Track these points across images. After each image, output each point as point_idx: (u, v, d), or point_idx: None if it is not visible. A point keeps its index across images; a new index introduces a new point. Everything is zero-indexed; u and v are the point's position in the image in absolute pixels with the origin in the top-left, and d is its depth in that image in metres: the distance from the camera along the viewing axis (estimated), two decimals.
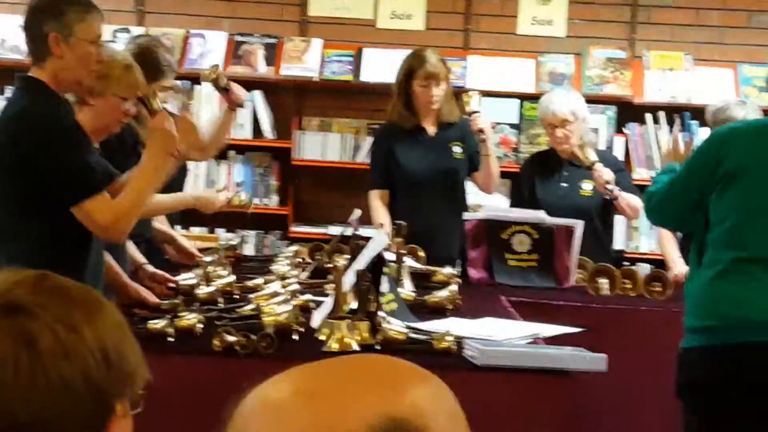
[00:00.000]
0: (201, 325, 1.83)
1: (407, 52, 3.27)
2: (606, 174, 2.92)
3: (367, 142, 3.88)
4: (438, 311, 2.19)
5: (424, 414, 0.45)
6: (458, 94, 3.26)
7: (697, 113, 3.56)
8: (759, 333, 1.85)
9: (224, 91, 2.84)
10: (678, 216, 2.12)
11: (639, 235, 3.98)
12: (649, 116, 3.97)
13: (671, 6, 4.18)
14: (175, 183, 2.45)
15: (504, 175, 3.50)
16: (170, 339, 1.79)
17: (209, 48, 4.06)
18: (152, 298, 2.08)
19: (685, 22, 4.16)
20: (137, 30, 3.83)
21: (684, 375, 1.95)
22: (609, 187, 2.90)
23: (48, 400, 0.73)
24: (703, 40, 4.15)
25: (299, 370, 0.47)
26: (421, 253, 2.79)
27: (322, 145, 4.01)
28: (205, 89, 3.76)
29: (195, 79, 3.70)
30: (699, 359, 1.93)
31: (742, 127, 2.18)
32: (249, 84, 3.52)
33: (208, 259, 2.43)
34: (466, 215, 2.95)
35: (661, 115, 3.95)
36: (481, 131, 3.01)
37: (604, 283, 2.79)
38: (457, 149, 3.09)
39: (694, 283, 1.99)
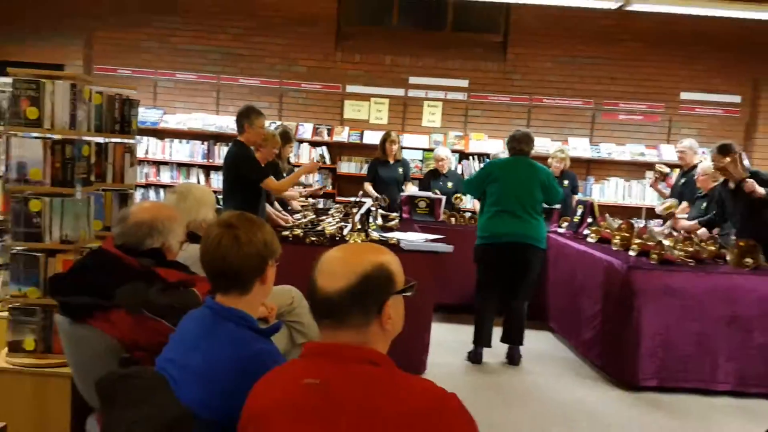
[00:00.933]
0: (301, 233, 4.76)
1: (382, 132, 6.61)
2: None
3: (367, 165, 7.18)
4: (390, 229, 5.23)
5: (390, 263, 1.41)
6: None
7: None
8: (501, 238, 4.71)
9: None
10: (477, 192, 5.06)
11: None
12: None
13: None
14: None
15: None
16: (290, 238, 4.70)
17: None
18: (284, 224, 5.01)
19: None
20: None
21: (476, 255, 4.88)
22: None
23: (244, 259, 1.73)
24: None
25: (340, 246, 1.44)
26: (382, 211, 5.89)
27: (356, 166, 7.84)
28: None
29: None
30: (479, 248, 4.85)
31: (501, 160, 5.12)
32: None
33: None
34: (402, 193, 6.18)
35: None
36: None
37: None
38: (400, 170, 6.46)
39: (480, 219, 4.90)
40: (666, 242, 4.64)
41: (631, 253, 4.74)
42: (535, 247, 4.77)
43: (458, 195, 6.65)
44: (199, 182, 8.09)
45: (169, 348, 1.75)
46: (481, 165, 7.66)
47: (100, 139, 3.42)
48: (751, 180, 4.62)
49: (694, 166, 6.16)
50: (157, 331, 1.99)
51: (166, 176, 8.16)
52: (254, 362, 1.58)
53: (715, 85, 8.12)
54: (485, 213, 4.88)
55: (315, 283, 1.39)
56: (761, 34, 7.84)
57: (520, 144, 4.88)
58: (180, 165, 8.18)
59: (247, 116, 4.63)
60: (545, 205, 5.03)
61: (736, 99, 8.13)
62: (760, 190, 4.59)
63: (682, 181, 6.19)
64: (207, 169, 8.19)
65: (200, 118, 8.13)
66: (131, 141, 3.65)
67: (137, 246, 2.23)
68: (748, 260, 4.49)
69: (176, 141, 8.13)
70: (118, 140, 3.56)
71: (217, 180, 8.05)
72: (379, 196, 6.09)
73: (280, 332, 2.80)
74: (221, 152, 8.01)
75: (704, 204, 5.56)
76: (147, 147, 8.08)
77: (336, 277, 1.37)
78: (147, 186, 8.17)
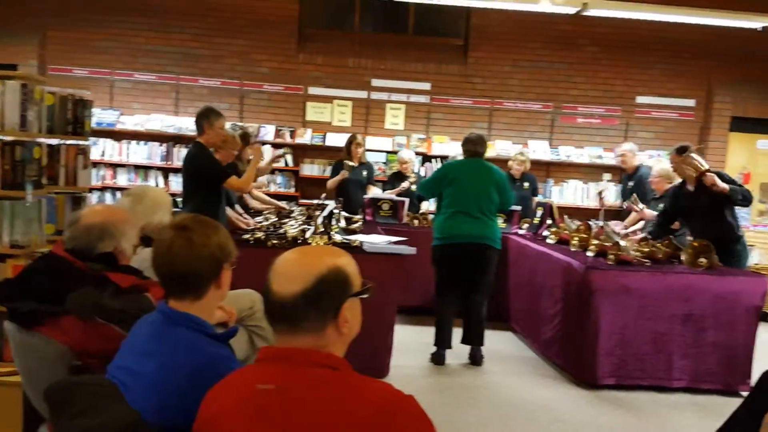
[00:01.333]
0: (263, 236, 4.71)
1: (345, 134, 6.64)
2: None
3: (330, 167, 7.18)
4: (353, 232, 5.22)
5: (346, 266, 1.38)
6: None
7: None
8: (458, 239, 4.74)
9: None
10: (432, 193, 5.10)
11: None
12: None
13: None
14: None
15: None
16: (251, 241, 4.65)
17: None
18: (245, 226, 4.95)
19: None
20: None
21: (434, 256, 4.89)
22: None
23: (198, 263, 1.67)
24: None
25: (295, 249, 1.41)
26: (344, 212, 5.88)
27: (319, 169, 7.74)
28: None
29: None
30: (437, 249, 4.87)
31: (456, 162, 5.17)
32: None
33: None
34: (366, 196, 6.13)
35: None
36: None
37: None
38: (364, 172, 6.42)
39: (437, 220, 4.92)
40: (623, 243, 4.73)
41: (589, 253, 4.81)
42: (492, 247, 4.82)
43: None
44: (157, 185, 7.95)
45: (121, 354, 1.71)
46: None
47: (53, 141, 3.33)
48: (711, 174, 4.72)
49: (637, 168, 6.35)
50: (109, 337, 1.94)
51: (123, 179, 8.00)
52: (208, 368, 1.54)
53: (671, 89, 8.33)
54: (442, 214, 4.91)
55: (269, 287, 1.36)
56: (715, 39, 8.08)
57: (475, 146, 4.91)
58: (138, 167, 8.03)
59: (206, 117, 4.55)
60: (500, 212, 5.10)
61: (691, 102, 8.35)
62: (722, 184, 4.66)
63: (630, 183, 6.33)
64: (166, 172, 8.05)
65: (159, 120, 7.99)
66: (85, 142, 3.57)
67: (88, 250, 2.17)
68: (703, 260, 4.60)
69: (134, 143, 7.98)
70: (71, 142, 3.48)
71: (176, 182, 7.92)
72: (340, 198, 6.12)
73: (240, 337, 2.77)
74: (180, 154, 7.88)
75: (660, 205, 5.68)
76: (103, 149, 7.91)
77: (291, 280, 1.34)
78: (103, 189, 7.99)
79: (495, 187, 4.83)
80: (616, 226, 5.64)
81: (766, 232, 7.78)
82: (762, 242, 7.30)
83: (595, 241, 4.87)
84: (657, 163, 6.22)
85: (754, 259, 6.97)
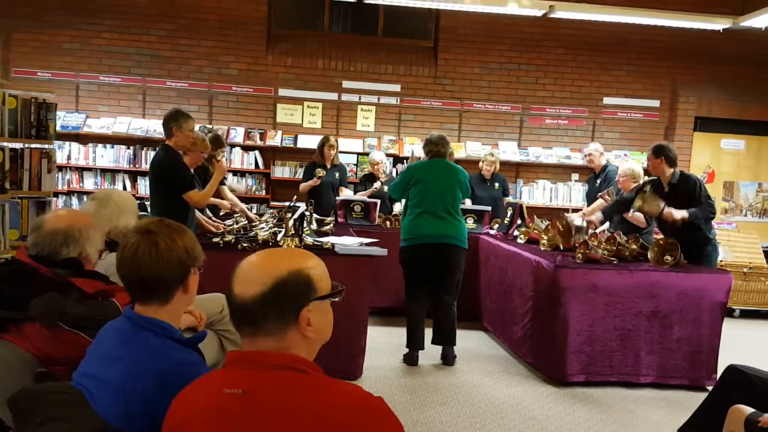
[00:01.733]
0: (233, 239, 4.67)
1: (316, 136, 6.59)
2: None
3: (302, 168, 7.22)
4: (325, 234, 5.20)
5: (310, 269, 1.36)
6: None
7: None
8: (425, 239, 4.75)
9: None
10: (400, 195, 5.06)
11: None
12: None
13: None
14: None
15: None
16: (221, 245, 4.61)
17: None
18: (215, 230, 4.89)
19: None
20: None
21: (402, 256, 4.87)
22: None
23: (164, 267, 1.65)
24: None
25: (260, 251, 1.39)
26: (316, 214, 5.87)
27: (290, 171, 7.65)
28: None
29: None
30: (404, 250, 4.85)
31: (420, 162, 5.10)
32: None
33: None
34: (338, 198, 6.12)
35: None
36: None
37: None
38: (336, 174, 6.44)
39: (404, 221, 4.91)
40: (590, 242, 4.80)
41: (541, 247, 4.94)
42: (458, 247, 4.84)
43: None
44: (125, 188, 7.83)
45: (86, 361, 1.68)
46: None
47: (16, 145, 3.26)
48: (669, 210, 4.83)
49: (604, 167, 6.47)
50: (75, 344, 1.91)
51: (89, 183, 7.86)
52: (174, 373, 1.53)
53: (636, 90, 8.49)
54: (408, 215, 4.92)
55: (231, 290, 1.36)
56: (678, 41, 8.25)
57: (437, 146, 4.93)
58: (104, 171, 7.90)
59: (175, 119, 4.48)
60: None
61: (656, 103, 8.51)
62: (680, 215, 4.79)
63: (598, 182, 6.44)
64: (133, 175, 7.94)
65: (125, 122, 7.88)
66: (49, 146, 3.50)
67: (52, 256, 2.13)
68: (668, 258, 4.69)
69: (100, 146, 7.85)
70: (35, 146, 3.41)
71: (144, 186, 7.82)
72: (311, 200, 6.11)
73: (210, 341, 2.75)
74: (148, 157, 7.78)
75: None
76: (69, 152, 7.77)
77: (251, 282, 1.34)
78: (69, 193, 7.85)
79: (458, 186, 4.86)
80: (575, 218, 5.72)
81: (730, 229, 7.97)
82: (726, 239, 7.47)
83: (545, 235, 5.02)
84: (623, 162, 6.33)
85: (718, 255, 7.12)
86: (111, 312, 1.95)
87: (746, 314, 7.25)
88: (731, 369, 3.04)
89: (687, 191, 4.92)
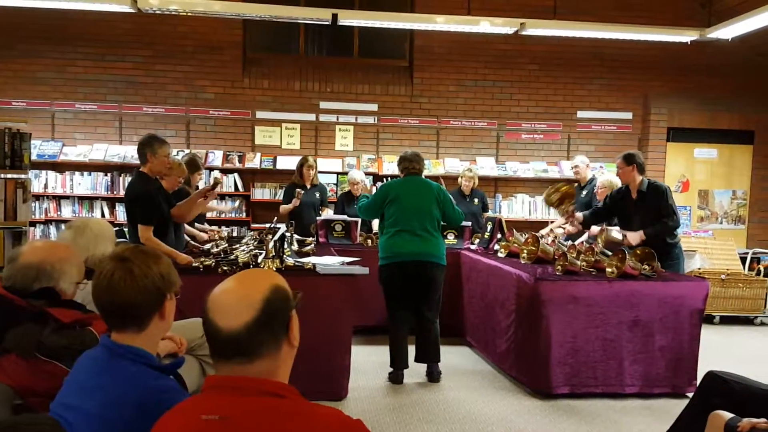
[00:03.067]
0: (213, 262, 4.65)
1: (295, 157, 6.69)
2: None
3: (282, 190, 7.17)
4: (306, 254, 5.19)
5: (281, 281, 1.39)
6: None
7: None
8: (404, 257, 4.75)
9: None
10: (374, 214, 5.08)
11: None
12: None
13: None
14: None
15: None
16: (201, 269, 4.58)
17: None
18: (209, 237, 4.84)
19: None
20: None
21: (380, 275, 4.84)
22: None
23: (139, 294, 1.64)
24: None
25: (225, 281, 1.36)
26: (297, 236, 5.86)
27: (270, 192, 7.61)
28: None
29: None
30: (383, 269, 4.83)
31: (396, 181, 5.11)
32: None
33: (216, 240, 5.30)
34: (318, 218, 6.14)
35: None
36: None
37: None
38: (317, 194, 6.46)
39: (382, 239, 4.91)
40: (569, 253, 4.84)
41: (522, 261, 4.98)
42: (437, 264, 4.85)
43: None
44: (103, 215, 7.77)
45: (64, 391, 1.66)
46: None
47: None
48: (627, 239, 4.97)
49: (590, 180, 6.55)
50: (52, 374, 1.88)
51: (67, 211, 7.79)
52: (152, 401, 1.52)
53: (609, 103, 8.63)
54: (385, 233, 4.92)
55: (214, 324, 1.33)
56: (649, 53, 8.42)
57: (412, 163, 4.96)
58: (82, 198, 7.84)
59: (149, 146, 4.45)
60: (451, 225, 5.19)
61: (628, 115, 8.66)
62: (637, 240, 4.94)
63: (583, 193, 6.51)
64: (111, 202, 7.89)
65: (102, 149, 7.83)
66: (24, 176, 3.47)
67: (25, 289, 2.11)
68: (646, 267, 4.75)
69: (77, 174, 7.80)
70: (10, 176, 3.38)
71: (121, 213, 7.76)
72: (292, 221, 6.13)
73: (191, 367, 2.72)
74: (126, 183, 7.73)
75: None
76: (46, 181, 7.70)
77: (237, 311, 1.31)
78: (47, 222, 7.76)
79: (436, 204, 4.87)
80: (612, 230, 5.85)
81: (706, 237, 8.09)
82: (703, 247, 7.58)
83: (525, 249, 5.07)
84: (601, 174, 6.42)
85: (696, 263, 7.22)
86: (88, 341, 1.93)
87: (725, 320, 7.34)
88: (711, 375, 3.08)
89: (656, 199, 5.03)
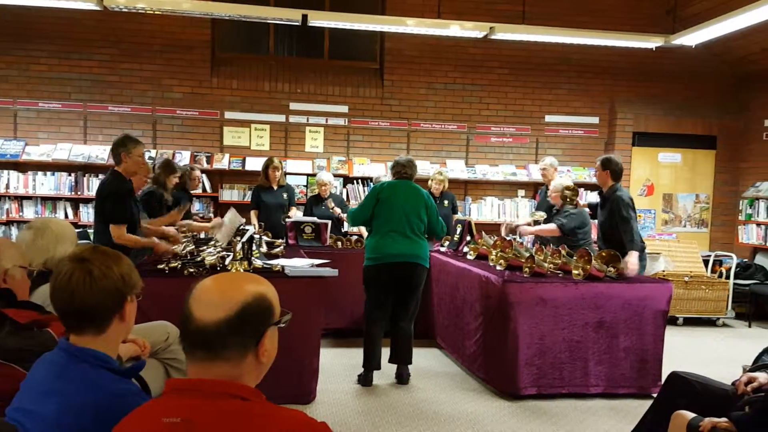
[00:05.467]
0: (179, 264, 4.57)
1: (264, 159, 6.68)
2: None
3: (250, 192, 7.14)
4: (275, 256, 5.15)
5: (269, 293, 1.36)
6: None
7: None
8: (391, 258, 4.76)
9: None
10: (364, 217, 5.02)
11: None
12: None
13: None
14: None
15: None
16: (166, 271, 4.50)
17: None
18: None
19: None
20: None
21: (366, 276, 4.85)
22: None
23: (99, 296, 1.59)
24: None
25: (218, 275, 1.38)
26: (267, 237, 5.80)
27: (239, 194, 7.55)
28: None
29: None
30: (370, 269, 4.84)
31: (386, 183, 5.11)
32: None
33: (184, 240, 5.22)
34: (287, 219, 6.08)
35: None
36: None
37: None
38: (284, 195, 6.39)
39: (369, 240, 4.91)
40: (537, 256, 4.89)
41: (498, 267, 4.98)
42: (422, 266, 4.89)
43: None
44: (66, 216, 7.61)
45: (20, 395, 1.61)
46: (366, 189, 7.77)
47: None
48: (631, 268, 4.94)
49: None
50: (10, 377, 1.83)
51: (29, 212, 7.61)
52: (112, 405, 1.48)
53: (576, 107, 8.74)
54: (374, 234, 4.92)
55: (190, 313, 1.32)
56: (615, 59, 8.56)
57: (404, 168, 4.99)
58: (45, 199, 7.66)
59: (124, 146, 4.44)
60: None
61: (595, 120, 8.79)
62: (634, 266, 4.93)
63: (549, 198, 6.58)
64: (75, 203, 7.72)
65: (66, 149, 7.67)
66: None
67: None
68: (611, 269, 4.82)
69: (40, 174, 7.62)
70: None
71: (86, 214, 7.62)
72: (262, 222, 6.11)
73: (155, 370, 2.68)
74: (90, 183, 7.61)
75: (560, 218, 5.98)
76: (7, 181, 7.52)
77: (214, 307, 1.30)
78: (8, 223, 7.57)
79: (424, 208, 4.91)
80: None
81: (670, 240, 8.24)
82: (667, 250, 7.71)
83: (503, 254, 5.08)
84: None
85: (660, 266, 7.35)
86: (46, 342, 1.88)
87: (689, 322, 7.49)
88: (674, 376, 3.13)
89: (611, 209, 5.18)
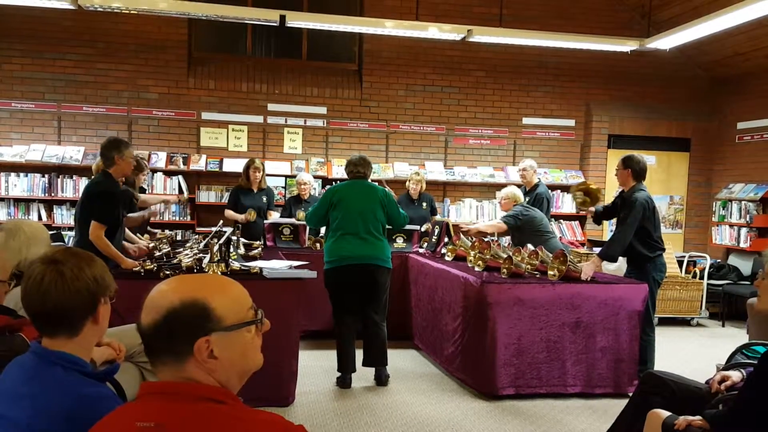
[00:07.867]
0: (155, 266, 4.52)
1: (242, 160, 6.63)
2: None
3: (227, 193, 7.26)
4: (253, 258, 5.11)
5: (209, 298, 1.28)
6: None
7: None
8: (347, 260, 4.72)
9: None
10: (320, 220, 4.99)
11: None
12: None
13: None
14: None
15: None
16: (142, 273, 4.45)
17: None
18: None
19: None
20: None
21: (326, 279, 4.81)
22: None
23: (71, 298, 1.56)
24: None
25: (177, 276, 1.35)
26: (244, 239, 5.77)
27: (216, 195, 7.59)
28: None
29: None
30: (329, 272, 4.81)
31: (340, 185, 5.05)
32: None
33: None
34: (266, 221, 6.07)
35: None
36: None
37: None
38: (264, 198, 6.40)
39: (326, 243, 4.87)
40: (515, 257, 4.92)
41: (477, 268, 5.00)
42: (382, 267, 4.84)
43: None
44: (40, 218, 7.49)
45: None
46: None
47: None
48: (586, 274, 4.82)
49: (536, 185, 6.60)
50: None
51: (2, 213, 7.47)
52: (85, 409, 1.45)
53: (553, 110, 8.82)
54: (330, 237, 4.90)
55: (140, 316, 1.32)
56: (591, 62, 8.65)
57: (357, 167, 4.95)
58: (18, 200, 7.53)
59: (116, 148, 4.48)
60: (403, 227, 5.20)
61: (571, 122, 8.87)
62: (587, 273, 4.79)
63: (527, 199, 6.61)
64: (49, 204, 7.60)
65: (40, 150, 7.54)
66: None
67: None
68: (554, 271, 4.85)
69: (13, 175, 7.49)
70: None
71: (60, 215, 7.50)
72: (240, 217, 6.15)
73: (130, 374, 2.64)
74: (64, 185, 7.50)
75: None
76: None
77: (148, 310, 1.29)
78: None
79: (380, 207, 4.87)
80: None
81: None
82: None
83: (481, 255, 5.10)
84: (506, 188, 6.43)
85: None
86: (18, 347, 1.84)
87: (663, 322, 7.58)
88: (649, 375, 3.17)
89: (627, 209, 5.02)
